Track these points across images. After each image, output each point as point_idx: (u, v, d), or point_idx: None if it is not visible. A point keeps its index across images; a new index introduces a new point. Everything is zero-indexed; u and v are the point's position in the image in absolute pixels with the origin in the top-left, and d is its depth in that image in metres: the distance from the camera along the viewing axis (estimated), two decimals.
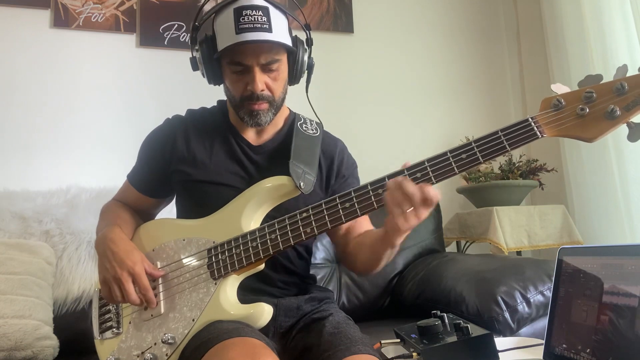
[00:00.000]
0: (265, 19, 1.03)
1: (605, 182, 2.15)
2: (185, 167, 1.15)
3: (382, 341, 1.05)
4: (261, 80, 1.06)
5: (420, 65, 2.67)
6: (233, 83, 1.09)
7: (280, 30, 1.06)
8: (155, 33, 2.26)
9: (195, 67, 1.16)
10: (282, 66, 1.10)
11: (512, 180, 2.23)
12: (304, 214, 1.00)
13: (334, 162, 1.21)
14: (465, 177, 2.37)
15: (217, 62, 1.10)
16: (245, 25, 1.02)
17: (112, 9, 2.22)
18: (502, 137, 0.90)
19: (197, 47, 1.12)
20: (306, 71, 1.18)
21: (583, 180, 2.26)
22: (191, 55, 1.15)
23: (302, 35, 1.17)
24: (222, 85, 1.17)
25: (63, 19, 2.15)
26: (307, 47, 1.16)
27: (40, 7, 2.12)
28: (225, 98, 1.24)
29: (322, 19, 2.50)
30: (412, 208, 0.89)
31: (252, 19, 1.02)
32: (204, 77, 1.14)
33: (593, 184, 2.21)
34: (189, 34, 2.24)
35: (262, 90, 1.07)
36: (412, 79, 2.64)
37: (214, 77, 1.13)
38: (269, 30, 1.03)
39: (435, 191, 0.88)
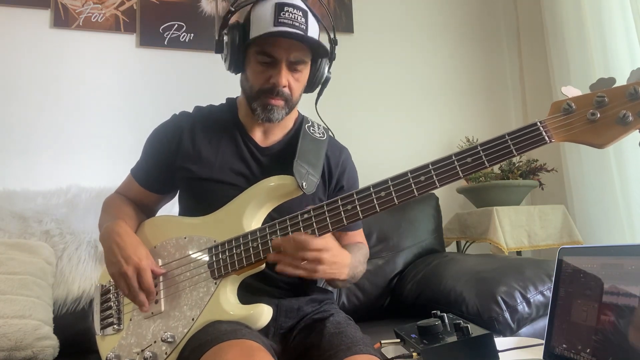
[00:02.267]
0: (304, 20, 1.06)
1: (605, 182, 2.15)
2: (190, 164, 1.15)
3: (382, 341, 1.05)
4: (286, 77, 1.08)
5: (420, 66, 2.67)
6: (256, 73, 1.10)
7: (313, 35, 1.09)
8: (155, 33, 2.26)
9: (219, 50, 1.16)
10: (306, 70, 1.13)
11: (512, 180, 2.23)
12: (305, 215, 0.99)
13: (336, 169, 1.22)
14: (465, 177, 2.36)
15: (244, 49, 1.11)
16: (284, 20, 1.04)
17: (112, 9, 2.22)
18: (509, 141, 0.89)
19: (226, 31, 1.12)
20: (321, 83, 1.20)
21: (583, 180, 2.26)
22: (217, 38, 1.16)
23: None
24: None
25: (63, 19, 2.15)
26: (328, 60, 1.18)
27: (40, 7, 2.12)
28: (233, 97, 1.25)
29: (322, 19, 2.49)
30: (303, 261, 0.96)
31: (292, 17, 1.04)
32: (225, 62, 1.14)
33: (593, 184, 2.21)
34: (190, 34, 2.28)
35: (284, 87, 1.08)
36: (412, 79, 2.64)
37: (236, 65, 1.13)
38: (305, 31, 1.05)
39: (301, 237, 0.94)
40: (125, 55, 2.23)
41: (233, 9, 1.14)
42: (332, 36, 1.19)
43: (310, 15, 1.08)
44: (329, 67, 1.19)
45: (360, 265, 1.14)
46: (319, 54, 1.13)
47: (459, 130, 2.60)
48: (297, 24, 1.04)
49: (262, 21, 1.05)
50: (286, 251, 0.97)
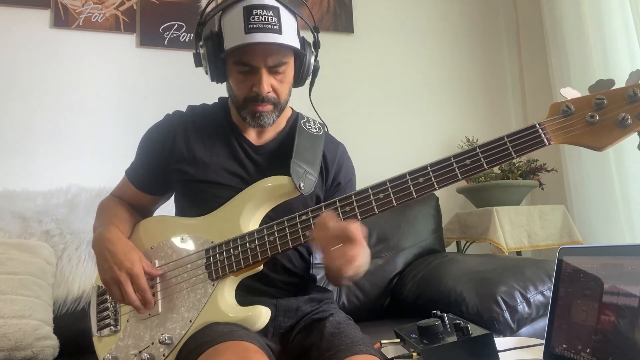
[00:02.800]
0: (276, 20, 1.01)
1: (605, 182, 2.15)
2: (184, 165, 1.14)
3: (382, 341, 1.05)
4: (267, 83, 1.05)
5: (420, 66, 2.66)
6: (238, 83, 1.08)
7: (289, 32, 1.04)
8: (155, 33, 2.26)
9: (198, 64, 1.14)
10: (289, 68, 1.09)
11: (512, 180, 2.23)
12: (304, 217, 0.99)
13: (333, 166, 1.20)
14: (463, 179, 2.36)
15: (222, 60, 1.08)
16: (255, 25, 1.00)
17: (112, 9, 2.22)
18: (507, 143, 0.89)
19: (201, 44, 1.10)
20: (310, 75, 1.17)
21: (582, 180, 2.26)
22: (194, 51, 1.14)
23: (308, 36, 1.16)
24: (223, 84, 1.16)
25: (63, 19, 2.15)
26: (313, 50, 1.15)
27: (40, 7, 2.12)
28: (225, 97, 1.23)
29: (322, 19, 2.50)
30: (339, 245, 0.89)
31: (263, 19, 1.00)
32: (207, 74, 1.13)
33: (592, 184, 2.21)
34: (190, 34, 2.28)
35: (268, 93, 1.06)
36: (412, 79, 2.64)
37: (218, 75, 1.11)
38: (279, 31, 1.01)
39: (356, 229, 0.88)
40: (125, 55, 2.23)
41: (202, 20, 1.11)
42: (312, 25, 1.16)
43: (282, 10, 1.03)
44: (316, 56, 1.16)
45: (365, 266, 1.11)
46: (301, 48, 1.09)
47: (458, 130, 2.60)
48: (269, 26, 1.00)
49: (234, 29, 1.02)
50: (327, 230, 0.90)
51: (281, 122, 1.20)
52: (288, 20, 1.04)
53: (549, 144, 0.87)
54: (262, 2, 1.02)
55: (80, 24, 2.17)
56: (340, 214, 0.96)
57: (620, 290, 0.81)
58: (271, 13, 1.01)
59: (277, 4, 1.04)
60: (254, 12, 1.00)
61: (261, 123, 1.09)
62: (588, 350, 0.83)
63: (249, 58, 1.03)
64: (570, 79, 2.27)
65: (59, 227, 1.67)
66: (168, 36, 2.28)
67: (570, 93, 0.89)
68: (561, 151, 2.38)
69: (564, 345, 0.89)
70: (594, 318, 0.84)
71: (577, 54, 2.24)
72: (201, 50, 1.11)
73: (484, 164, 0.90)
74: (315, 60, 1.16)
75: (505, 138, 0.89)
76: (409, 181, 0.93)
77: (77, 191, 1.79)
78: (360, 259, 0.94)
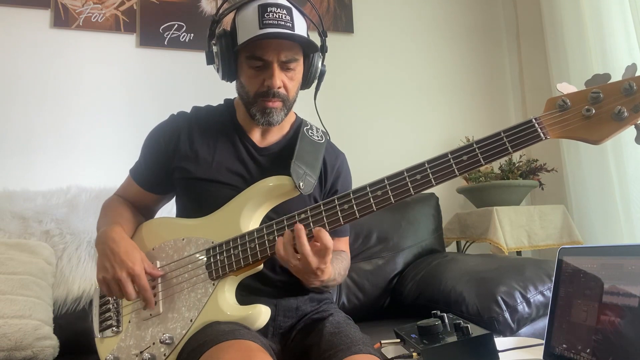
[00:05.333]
0: (289, 18, 1.05)
1: (603, 181, 2.15)
2: (187, 164, 1.14)
3: (382, 341, 1.05)
4: (279, 77, 1.07)
5: (420, 65, 2.67)
6: (250, 79, 1.09)
7: (301, 31, 1.07)
8: (155, 33, 2.26)
9: (210, 61, 1.16)
10: (299, 67, 1.12)
11: (512, 180, 2.23)
12: (302, 215, 0.99)
13: (332, 173, 1.21)
14: (465, 177, 2.37)
15: (234, 56, 1.10)
16: (269, 21, 1.03)
17: (112, 9, 2.22)
18: (504, 138, 0.89)
19: (214, 41, 1.12)
20: (317, 78, 1.19)
21: (581, 180, 2.26)
22: (207, 50, 1.16)
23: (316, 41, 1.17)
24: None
25: (63, 19, 2.15)
26: (321, 54, 1.17)
27: (40, 7, 2.12)
28: (231, 98, 1.25)
29: (322, 19, 2.49)
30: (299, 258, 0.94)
31: (277, 16, 1.04)
32: (218, 72, 1.14)
33: (591, 184, 2.21)
34: (190, 34, 2.28)
35: (279, 88, 1.08)
36: (412, 78, 2.64)
37: (229, 73, 1.13)
38: (292, 29, 1.05)
39: (326, 240, 0.92)
40: (125, 55, 2.23)
41: (217, 18, 1.14)
42: (320, 29, 1.18)
43: (295, 11, 1.07)
44: (323, 60, 1.18)
45: (339, 277, 1.11)
46: (310, 49, 1.12)
47: (458, 129, 2.60)
48: (282, 23, 1.04)
49: (248, 25, 1.05)
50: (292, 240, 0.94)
51: (285, 126, 1.22)
52: (299, 21, 1.08)
53: (546, 138, 0.87)
54: (276, 1, 1.06)
55: (80, 24, 2.17)
56: (340, 212, 0.97)
57: (620, 290, 0.81)
58: (285, 11, 1.05)
59: (290, 5, 1.07)
60: (268, 10, 1.04)
61: (270, 120, 1.11)
62: (588, 350, 0.83)
63: (262, 52, 1.05)
64: (569, 78, 2.27)
65: (59, 227, 1.67)
66: (168, 36, 2.28)
67: (566, 88, 0.90)
68: (561, 151, 2.38)
69: (564, 345, 0.89)
70: (594, 318, 0.84)
71: (577, 53, 2.25)
72: (214, 48, 1.13)
73: (481, 159, 0.90)
74: (322, 64, 1.18)
75: (502, 133, 0.90)
76: (407, 178, 0.93)
77: (77, 191, 1.79)
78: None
